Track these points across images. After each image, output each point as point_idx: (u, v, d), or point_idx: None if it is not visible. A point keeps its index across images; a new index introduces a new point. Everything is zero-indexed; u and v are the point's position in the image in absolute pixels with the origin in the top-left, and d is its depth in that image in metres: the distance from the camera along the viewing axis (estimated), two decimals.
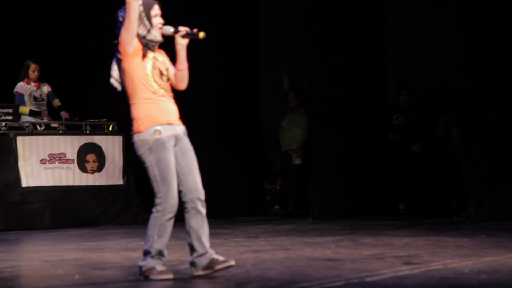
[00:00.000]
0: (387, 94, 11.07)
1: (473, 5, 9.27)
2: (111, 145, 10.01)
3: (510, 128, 9.25)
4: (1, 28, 11.78)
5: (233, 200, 10.75)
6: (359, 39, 10.57)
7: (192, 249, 5.14)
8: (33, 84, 10.10)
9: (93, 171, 9.86)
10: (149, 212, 11.54)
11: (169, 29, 5.17)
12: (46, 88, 10.19)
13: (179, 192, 5.13)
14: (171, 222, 5.11)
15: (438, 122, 10.27)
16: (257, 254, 6.50)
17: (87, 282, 5.27)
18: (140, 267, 5.14)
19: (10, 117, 9.66)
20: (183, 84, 5.24)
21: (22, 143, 9.44)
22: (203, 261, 5.12)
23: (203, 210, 5.13)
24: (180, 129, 5.18)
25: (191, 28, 5.22)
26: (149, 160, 5.05)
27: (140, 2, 5.06)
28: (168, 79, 5.18)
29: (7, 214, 9.27)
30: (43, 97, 10.14)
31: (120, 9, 5.13)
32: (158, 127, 5.05)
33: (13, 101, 10.03)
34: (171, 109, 5.15)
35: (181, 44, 5.17)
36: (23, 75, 10.09)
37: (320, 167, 10.24)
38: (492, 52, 9.23)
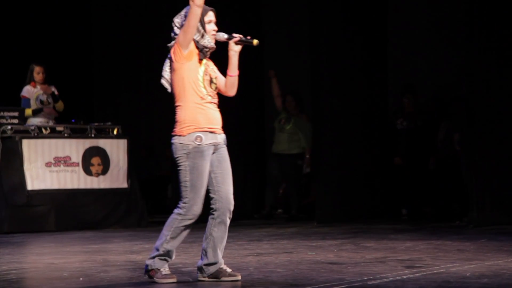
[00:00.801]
0: (388, 98, 11.07)
1: (476, 11, 9.30)
2: (116, 149, 10.05)
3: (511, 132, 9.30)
4: (7, 33, 11.84)
5: (236, 203, 10.75)
6: (362, 44, 10.60)
7: (204, 255, 5.18)
8: (39, 87, 10.12)
9: (97, 174, 9.91)
10: (153, 215, 11.58)
11: (223, 35, 5.22)
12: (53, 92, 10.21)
13: (210, 198, 5.17)
14: (188, 229, 5.15)
15: (440, 127, 10.30)
16: (260, 257, 6.54)
17: (91, 284, 5.30)
18: (146, 266, 5.18)
19: (16, 121, 9.71)
20: (233, 91, 5.31)
21: (28, 146, 9.49)
22: (211, 270, 5.18)
23: (228, 222, 5.20)
24: (221, 137, 5.20)
25: (245, 35, 5.27)
26: (184, 164, 5.06)
27: None
28: (216, 88, 5.23)
29: (12, 216, 9.31)
30: (49, 101, 10.17)
31: (176, 15, 5.18)
32: (200, 134, 5.07)
33: (19, 104, 10.07)
34: (216, 117, 5.16)
35: (234, 50, 5.23)
36: (29, 79, 10.11)
37: (324, 171, 10.27)
38: (494, 57, 9.26)
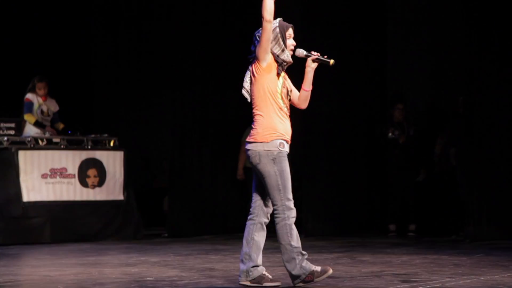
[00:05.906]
0: (386, 110, 11.02)
1: (475, 24, 9.30)
2: (112, 160, 10.05)
3: (508, 147, 9.29)
4: (5, 43, 11.83)
5: (233, 216, 10.76)
6: (360, 52, 10.62)
7: (247, 259, 5.44)
8: (40, 98, 10.10)
9: (94, 186, 9.90)
10: (149, 227, 11.49)
11: (303, 52, 5.51)
12: (54, 107, 10.18)
13: (255, 202, 5.48)
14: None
15: (436, 141, 10.28)
16: None
17: None
18: (298, 276, 5.41)
19: (12, 132, 9.71)
20: (305, 104, 5.59)
21: (24, 157, 9.48)
22: (255, 273, 5.42)
23: (265, 225, 5.52)
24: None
25: (322, 54, 5.51)
26: (273, 170, 5.35)
27: (277, 24, 5.39)
28: (290, 100, 5.51)
29: (8, 228, 9.30)
30: (49, 113, 10.16)
31: (258, 29, 5.39)
32: (283, 141, 5.39)
33: (16, 114, 10.05)
34: (289, 128, 5.48)
35: (311, 67, 5.53)
36: (31, 89, 10.07)
37: (313, 184, 10.25)
38: (492, 72, 9.27)
